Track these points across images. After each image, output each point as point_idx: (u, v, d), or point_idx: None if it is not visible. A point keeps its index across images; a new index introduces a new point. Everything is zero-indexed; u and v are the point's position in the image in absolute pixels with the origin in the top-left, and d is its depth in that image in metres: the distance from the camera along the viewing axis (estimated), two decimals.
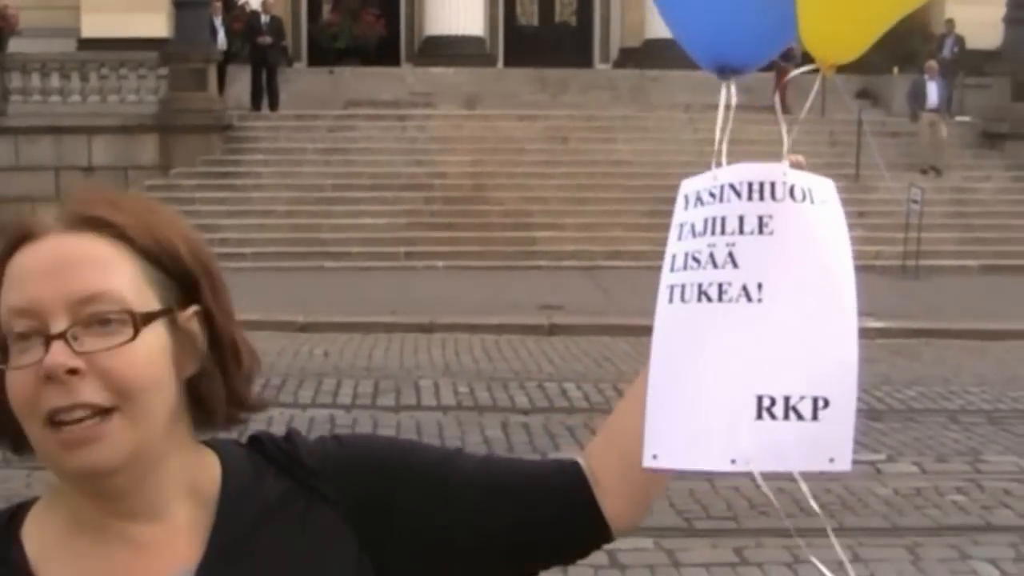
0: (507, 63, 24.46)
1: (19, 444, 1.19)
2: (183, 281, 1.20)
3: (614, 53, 25.47)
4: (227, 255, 13.42)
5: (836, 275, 1.30)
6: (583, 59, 25.13)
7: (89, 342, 1.12)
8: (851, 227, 1.34)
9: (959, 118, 19.86)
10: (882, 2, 1.32)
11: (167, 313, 1.18)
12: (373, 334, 11.67)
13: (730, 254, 1.32)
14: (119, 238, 1.17)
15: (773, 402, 1.26)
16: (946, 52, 20.96)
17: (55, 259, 1.15)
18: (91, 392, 1.12)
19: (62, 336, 1.12)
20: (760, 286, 1.29)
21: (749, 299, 1.30)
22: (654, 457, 1.30)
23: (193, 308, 1.20)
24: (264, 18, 20.07)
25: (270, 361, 9.52)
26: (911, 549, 5.75)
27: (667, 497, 6.23)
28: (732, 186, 1.34)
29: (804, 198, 1.32)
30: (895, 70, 20.33)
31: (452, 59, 22.08)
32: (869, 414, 8.23)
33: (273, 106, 19.80)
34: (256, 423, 1.37)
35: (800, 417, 1.25)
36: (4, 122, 18.09)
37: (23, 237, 1.17)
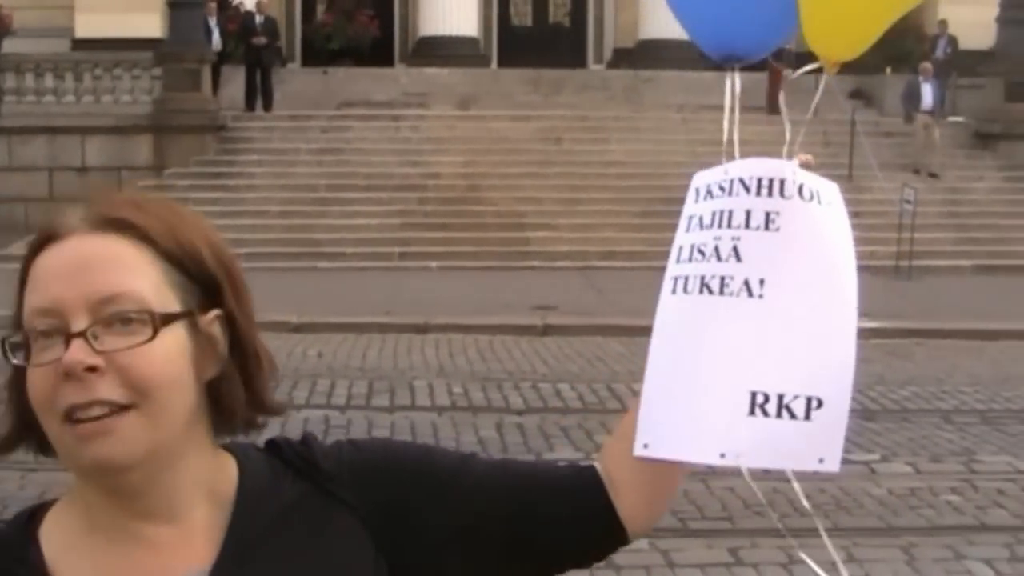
0: (501, 64, 24.46)
1: (45, 444, 1.21)
2: (205, 284, 1.21)
3: (608, 54, 25.49)
4: None
5: (839, 277, 1.30)
6: (577, 60, 25.14)
7: (109, 341, 1.14)
8: None
9: (952, 118, 19.89)
10: (885, 3, 1.32)
11: (187, 315, 1.19)
12: (367, 334, 11.67)
13: (734, 248, 1.32)
14: (142, 240, 1.18)
15: (767, 399, 1.26)
16: (939, 52, 21.00)
17: (78, 259, 1.17)
18: (108, 389, 1.13)
19: (82, 334, 1.13)
20: (762, 281, 1.30)
21: (750, 294, 1.30)
22: (645, 446, 1.30)
23: (215, 312, 1.21)
24: (258, 18, 20.04)
25: None
26: (906, 549, 5.76)
27: None
28: (742, 180, 1.34)
29: (812, 198, 1.32)
30: (888, 70, 20.36)
31: (446, 59, 22.08)
32: (863, 414, 8.24)
33: (267, 106, 19.79)
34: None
35: (792, 416, 1.26)
36: None
37: (48, 238, 1.19)
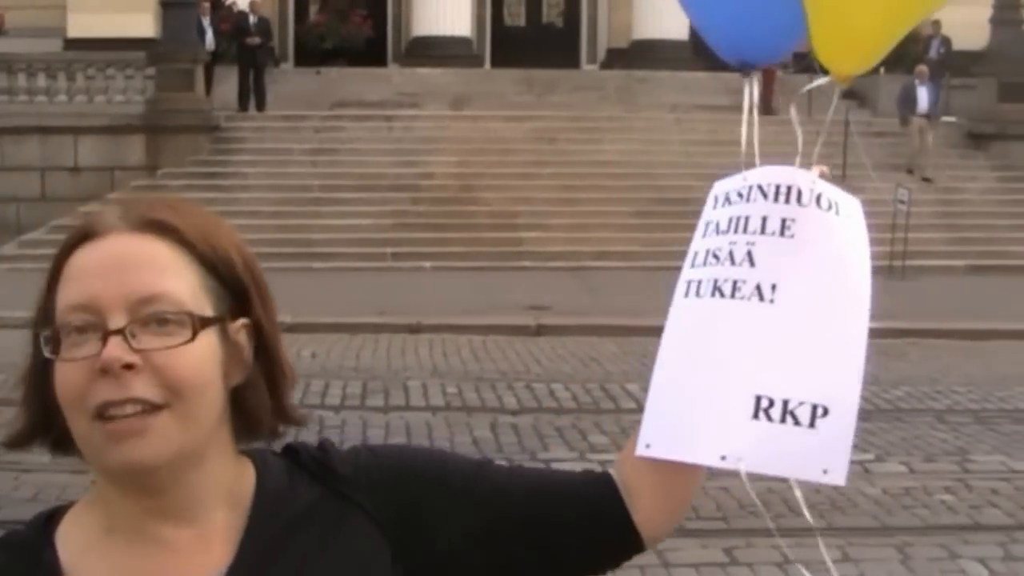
0: (494, 64, 24.46)
1: (61, 442, 1.22)
2: (235, 292, 1.22)
3: (601, 54, 25.49)
4: None
5: (852, 288, 1.29)
6: (570, 60, 25.14)
7: (145, 340, 1.15)
8: None
9: (945, 119, 19.92)
10: (893, 15, 1.32)
11: (220, 321, 1.20)
12: (360, 335, 11.65)
13: (749, 253, 1.32)
14: (180, 243, 1.20)
15: (771, 403, 1.26)
16: (933, 53, 21.02)
17: (117, 258, 1.17)
18: (143, 388, 1.14)
19: (120, 332, 1.14)
20: (774, 287, 1.30)
21: (761, 298, 1.30)
22: (647, 446, 1.30)
23: (242, 320, 1.22)
24: (252, 18, 20.02)
25: None
26: (900, 549, 5.76)
27: None
28: (760, 187, 1.35)
29: (830, 208, 1.32)
30: (881, 71, 20.38)
31: (439, 60, 22.07)
32: (857, 414, 8.24)
33: (260, 107, 19.76)
34: None
35: (797, 422, 1.25)
36: None
37: (85, 235, 1.20)
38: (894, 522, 6.17)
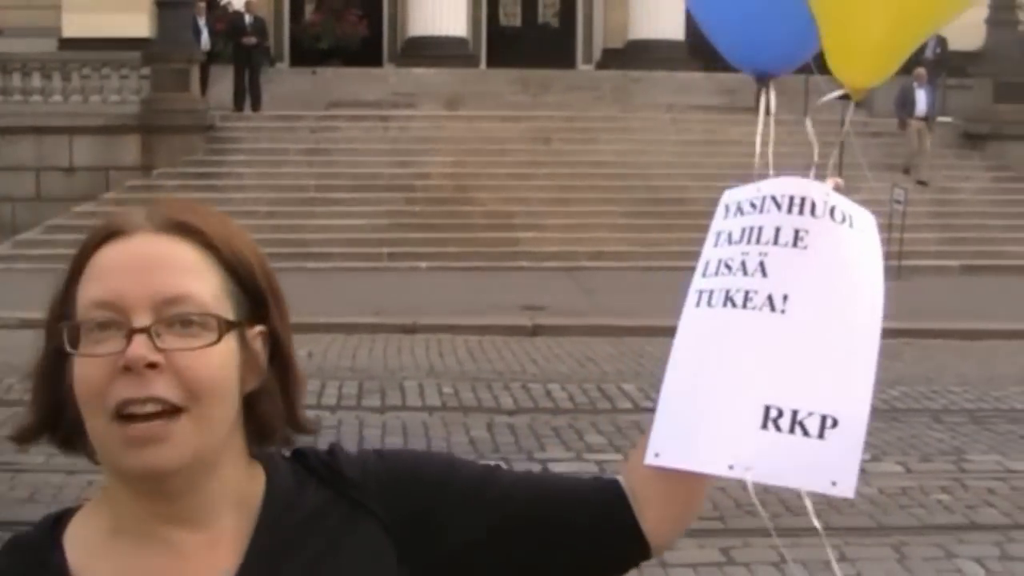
0: (490, 64, 24.44)
1: (70, 440, 1.22)
2: (254, 298, 1.23)
3: (597, 54, 25.49)
4: None
5: (863, 300, 1.29)
6: (566, 60, 25.13)
7: (169, 341, 1.15)
8: None
9: (941, 119, 19.94)
10: (904, 28, 1.33)
11: (239, 326, 1.20)
12: (356, 335, 11.64)
13: (761, 263, 1.32)
14: (205, 246, 1.20)
15: (780, 413, 1.26)
16: (929, 53, 21.02)
17: (144, 257, 1.18)
18: (165, 388, 1.14)
19: (146, 331, 1.14)
20: (786, 297, 1.30)
21: (772, 309, 1.30)
22: (656, 455, 1.30)
23: (259, 327, 1.23)
24: (248, 18, 19.99)
25: None
26: (897, 548, 5.77)
27: None
28: (774, 198, 1.35)
29: (844, 221, 1.33)
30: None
31: (434, 60, 22.05)
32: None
33: (255, 106, 19.74)
34: None
35: (806, 433, 1.25)
36: None
37: (111, 233, 1.20)
38: (890, 522, 6.18)
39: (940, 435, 8.07)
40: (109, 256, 1.19)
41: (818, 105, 1.47)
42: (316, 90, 20.77)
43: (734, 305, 1.32)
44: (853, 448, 1.25)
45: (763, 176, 1.40)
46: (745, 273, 1.33)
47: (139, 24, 20.52)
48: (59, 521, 1.25)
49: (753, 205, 1.37)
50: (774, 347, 1.28)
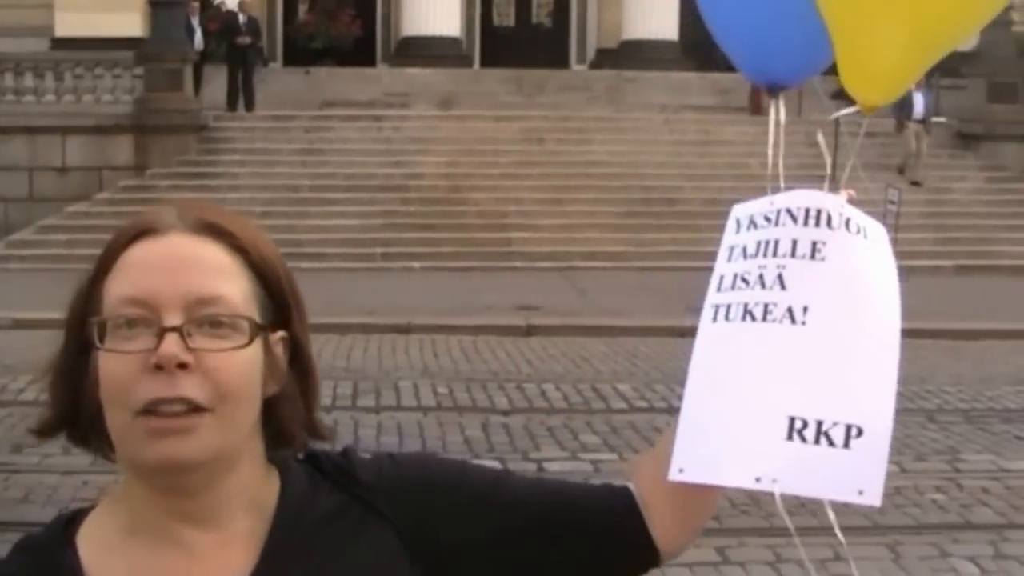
0: (483, 64, 24.45)
1: (86, 437, 1.22)
2: (277, 303, 1.24)
3: (590, 54, 25.51)
4: None
5: (882, 310, 1.30)
6: (559, 60, 25.15)
7: (199, 341, 1.15)
8: None
9: (935, 119, 19.97)
10: (919, 49, 1.33)
11: (265, 330, 1.21)
12: (350, 335, 11.62)
13: (779, 276, 1.33)
14: (235, 249, 1.21)
15: (805, 424, 1.26)
16: None
17: (177, 256, 1.18)
18: (193, 388, 1.14)
19: (178, 330, 1.14)
20: (806, 309, 1.31)
21: (793, 321, 1.31)
22: (680, 471, 1.30)
23: (281, 333, 1.23)
24: (241, 18, 19.97)
25: None
26: (892, 547, 5.77)
27: None
28: (789, 211, 1.36)
29: (858, 232, 1.34)
30: None
31: (428, 60, 22.05)
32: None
33: (249, 106, 19.71)
34: None
35: (831, 443, 1.25)
36: None
37: (143, 231, 1.20)
38: (885, 521, 6.17)
39: (935, 435, 8.07)
40: (141, 254, 1.19)
41: (833, 118, 1.50)
42: (310, 90, 20.76)
43: (753, 319, 1.32)
44: (879, 456, 1.26)
45: (776, 189, 1.40)
46: (763, 286, 1.33)
47: (132, 23, 20.49)
48: (72, 521, 1.25)
49: (768, 219, 1.38)
50: (796, 359, 1.29)
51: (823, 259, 1.32)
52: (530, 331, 12.01)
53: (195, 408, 1.14)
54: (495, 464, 1.39)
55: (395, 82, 21.40)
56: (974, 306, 13.27)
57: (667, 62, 22.39)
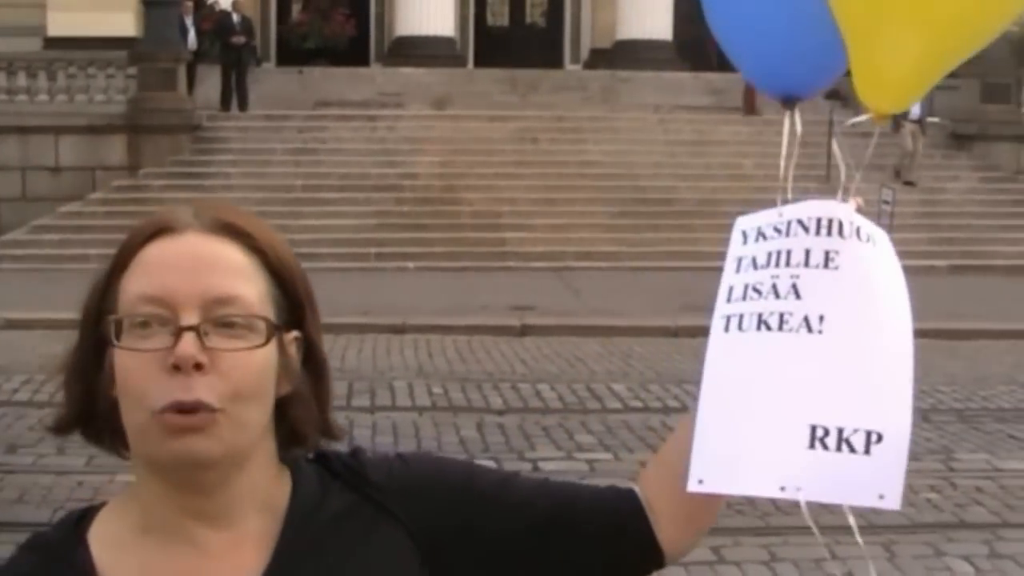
0: (477, 64, 24.45)
1: (100, 435, 1.22)
2: (292, 304, 1.24)
3: (584, 54, 25.52)
4: None
5: (895, 316, 1.32)
6: (553, 60, 25.16)
7: (216, 341, 1.15)
8: None
9: (929, 119, 20.00)
10: (932, 58, 1.34)
11: (280, 330, 1.21)
12: (345, 335, 11.60)
13: (794, 285, 1.35)
14: (252, 249, 1.21)
15: (826, 432, 1.28)
16: None
17: (195, 255, 1.18)
18: (207, 390, 1.14)
19: (195, 329, 1.14)
20: (822, 318, 1.32)
21: (810, 330, 1.32)
22: (700, 482, 1.31)
23: (295, 333, 1.24)
24: (235, 17, 19.95)
25: None
26: (887, 547, 5.77)
27: None
28: (800, 221, 1.37)
29: (868, 240, 1.36)
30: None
31: (422, 59, 22.04)
32: None
33: (242, 106, 19.69)
34: None
35: (852, 450, 1.27)
36: None
37: (160, 229, 1.20)
38: (880, 520, 6.13)
39: (929, 434, 8.08)
40: (159, 252, 1.19)
41: (847, 126, 1.51)
42: (303, 90, 20.74)
43: (769, 328, 1.34)
44: (898, 461, 1.27)
45: (785, 200, 1.42)
46: (777, 296, 1.35)
47: (125, 23, 20.45)
48: (82, 519, 1.25)
49: (777, 230, 1.39)
50: (815, 367, 1.31)
51: (836, 268, 1.34)
52: (525, 331, 12.01)
53: (209, 409, 1.14)
54: (490, 464, 1.41)
55: (389, 82, 21.39)
56: (968, 306, 13.29)
57: (661, 62, 22.41)
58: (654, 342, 11.29)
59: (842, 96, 20.99)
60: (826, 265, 1.34)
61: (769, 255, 1.38)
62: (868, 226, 1.36)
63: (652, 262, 15.65)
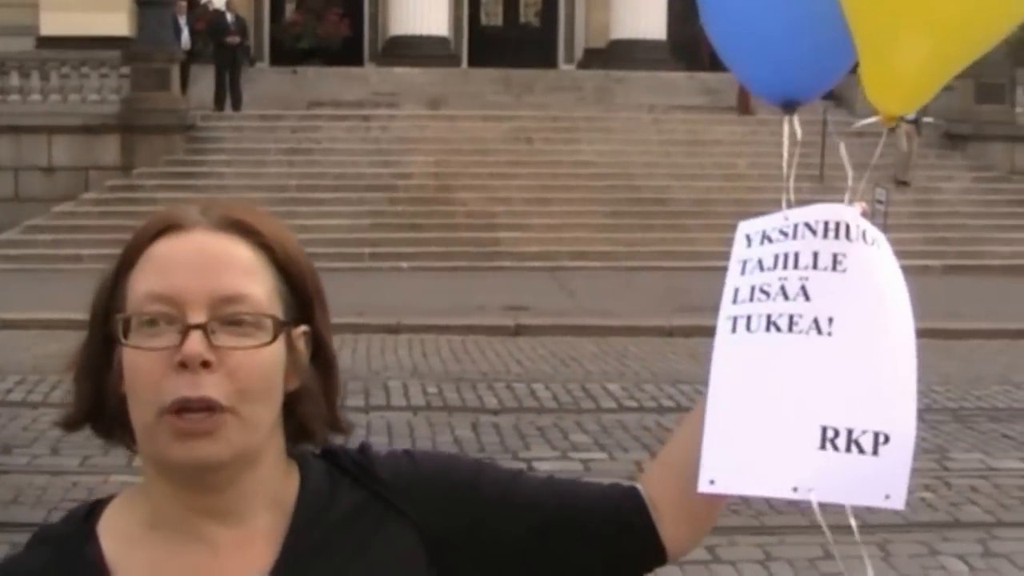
0: (471, 63, 24.44)
1: (110, 430, 1.23)
2: (300, 299, 1.24)
3: (579, 54, 25.52)
4: None
5: (900, 318, 1.34)
6: (548, 60, 25.16)
7: (223, 339, 1.15)
8: None
9: (924, 119, 20.03)
10: (941, 59, 1.36)
11: (288, 327, 1.21)
12: (339, 335, 11.39)
13: (803, 287, 1.36)
14: (261, 247, 1.21)
15: (836, 433, 1.30)
16: None
17: (203, 254, 1.18)
18: (215, 388, 1.14)
19: (202, 327, 1.14)
20: (831, 320, 1.34)
21: (819, 331, 1.34)
22: (711, 482, 1.32)
23: (304, 327, 1.24)
24: (229, 17, 19.93)
25: None
26: (882, 546, 5.78)
27: None
28: (807, 224, 1.39)
29: (873, 243, 1.38)
30: (859, 71, 20.45)
31: (416, 59, 22.03)
32: None
33: (236, 106, 19.67)
34: None
35: (861, 451, 1.29)
36: None
37: (168, 226, 1.20)
38: (875, 519, 6.15)
39: (923, 434, 8.08)
40: (167, 250, 1.19)
41: (856, 127, 1.53)
42: (297, 90, 20.73)
43: (779, 330, 1.35)
44: (904, 461, 1.29)
45: (789, 204, 1.43)
46: (786, 298, 1.36)
47: (118, 23, 20.43)
48: (92, 512, 1.25)
49: (784, 233, 1.41)
50: (825, 369, 1.32)
51: (844, 270, 1.35)
52: (519, 331, 12.01)
53: (217, 407, 1.14)
54: (522, 469, 1.43)
55: (383, 82, 21.38)
56: (962, 306, 13.31)
57: (655, 62, 22.42)
58: (649, 342, 11.29)
59: (835, 97, 21.03)
60: (834, 268, 1.36)
61: (776, 257, 1.39)
62: (871, 229, 1.38)
63: (646, 262, 15.65)
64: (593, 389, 9.33)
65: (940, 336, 11.84)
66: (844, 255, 1.36)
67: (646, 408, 8.72)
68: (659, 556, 1.38)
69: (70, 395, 1.24)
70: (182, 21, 19.60)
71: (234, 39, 19.60)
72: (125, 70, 18.31)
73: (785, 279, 1.37)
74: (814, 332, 1.33)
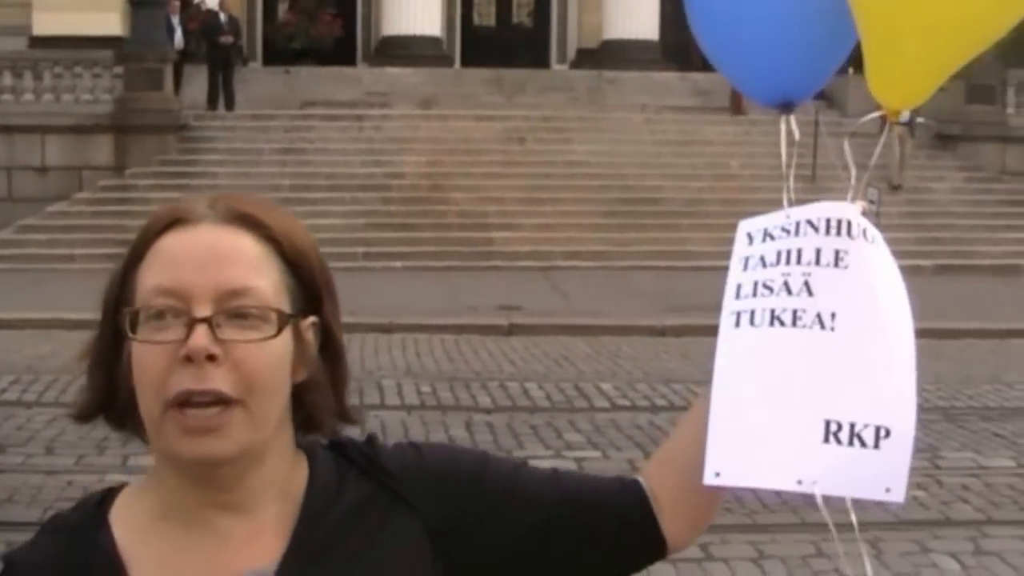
0: (464, 64, 24.44)
1: (122, 420, 1.24)
2: (309, 292, 1.25)
3: (571, 54, 25.53)
4: None
5: (899, 313, 1.37)
6: (540, 60, 25.17)
7: (229, 332, 1.16)
8: None
9: (917, 120, 20.06)
10: (946, 53, 1.38)
11: (295, 319, 1.22)
12: None
13: (806, 283, 1.38)
14: (268, 240, 1.22)
15: (839, 427, 1.32)
16: None
17: (209, 248, 1.19)
18: (221, 381, 1.15)
19: (208, 321, 1.15)
20: (833, 315, 1.36)
21: (822, 326, 1.36)
22: (716, 475, 1.33)
23: (312, 319, 1.24)
24: (222, 17, 19.91)
25: None
26: (873, 544, 5.80)
27: None
28: (809, 222, 1.42)
29: (873, 240, 1.40)
30: (850, 71, 20.46)
31: (409, 59, 22.03)
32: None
33: (229, 106, 19.65)
34: None
35: (863, 444, 1.31)
36: None
37: (175, 220, 1.21)
38: (866, 517, 6.10)
39: (915, 433, 8.11)
40: (173, 244, 1.20)
41: (859, 124, 1.56)
42: (290, 90, 20.72)
43: (783, 324, 1.37)
44: (904, 455, 1.31)
45: (791, 203, 1.46)
46: (790, 293, 1.38)
47: (111, 23, 20.38)
48: (103, 501, 1.26)
49: (786, 230, 1.43)
50: (828, 363, 1.34)
51: (846, 267, 1.37)
52: (512, 331, 12.03)
53: (224, 401, 1.15)
54: (525, 461, 1.42)
55: (376, 82, 21.38)
56: (954, 306, 13.33)
57: (647, 62, 22.44)
58: (641, 341, 11.32)
59: (827, 97, 21.07)
60: (836, 264, 1.37)
61: (779, 253, 1.41)
62: (871, 228, 1.40)
63: (639, 262, 15.68)
64: (586, 388, 9.36)
65: (931, 336, 11.88)
66: (846, 252, 1.38)
67: (639, 407, 8.75)
68: (659, 549, 1.39)
69: (81, 388, 1.25)
70: (175, 21, 19.57)
71: (227, 39, 19.58)
72: (118, 70, 18.27)
73: (788, 275, 1.38)
74: (817, 327, 1.35)
